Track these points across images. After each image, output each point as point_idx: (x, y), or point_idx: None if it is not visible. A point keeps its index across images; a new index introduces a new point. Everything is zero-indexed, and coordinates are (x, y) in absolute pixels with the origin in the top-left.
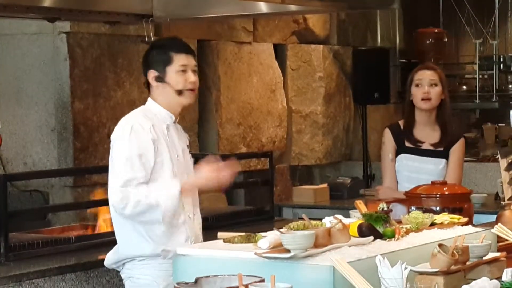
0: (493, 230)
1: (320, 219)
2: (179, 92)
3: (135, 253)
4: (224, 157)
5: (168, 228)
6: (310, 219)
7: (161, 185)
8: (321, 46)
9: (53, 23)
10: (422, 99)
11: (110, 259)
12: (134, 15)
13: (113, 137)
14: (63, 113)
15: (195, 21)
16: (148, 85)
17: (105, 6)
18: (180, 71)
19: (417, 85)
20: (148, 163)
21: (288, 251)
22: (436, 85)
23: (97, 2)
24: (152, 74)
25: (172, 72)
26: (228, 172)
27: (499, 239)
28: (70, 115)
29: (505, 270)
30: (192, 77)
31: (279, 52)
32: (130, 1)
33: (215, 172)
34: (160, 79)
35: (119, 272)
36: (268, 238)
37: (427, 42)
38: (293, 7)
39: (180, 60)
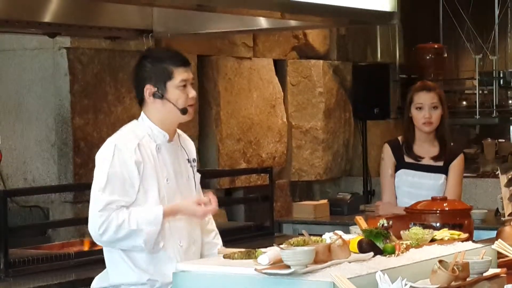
0: (493, 246)
1: (320, 235)
2: (183, 111)
3: (122, 280)
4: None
5: (151, 256)
6: (310, 235)
7: (142, 208)
8: (321, 61)
9: (54, 39)
10: (424, 123)
11: (95, 283)
12: (135, 30)
13: (96, 157)
14: (63, 129)
15: (196, 36)
16: (141, 100)
17: (106, 21)
18: (181, 87)
19: (417, 108)
20: (131, 186)
21: (288, 267)
22: (436, 107)
23: (98, 17)
24: (149, 89)
25: (172, 88)
26: (208, 208)
27: (499, 255)
28: (70, 130)
29: (505, 286)
30: (192, 92)
31: (279, 67)
32: (131, 16)
33: (196, 205)
34: (159, 95)
35: None
36: (268, 254)
37: (427, 57)
38: (293, 23)
39: (180, 75)
